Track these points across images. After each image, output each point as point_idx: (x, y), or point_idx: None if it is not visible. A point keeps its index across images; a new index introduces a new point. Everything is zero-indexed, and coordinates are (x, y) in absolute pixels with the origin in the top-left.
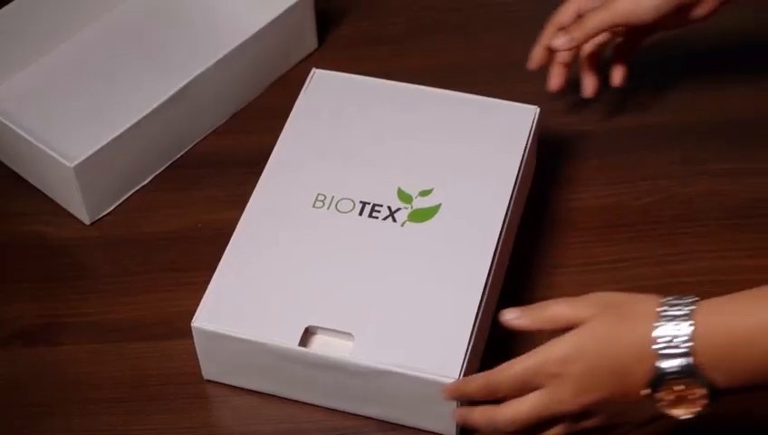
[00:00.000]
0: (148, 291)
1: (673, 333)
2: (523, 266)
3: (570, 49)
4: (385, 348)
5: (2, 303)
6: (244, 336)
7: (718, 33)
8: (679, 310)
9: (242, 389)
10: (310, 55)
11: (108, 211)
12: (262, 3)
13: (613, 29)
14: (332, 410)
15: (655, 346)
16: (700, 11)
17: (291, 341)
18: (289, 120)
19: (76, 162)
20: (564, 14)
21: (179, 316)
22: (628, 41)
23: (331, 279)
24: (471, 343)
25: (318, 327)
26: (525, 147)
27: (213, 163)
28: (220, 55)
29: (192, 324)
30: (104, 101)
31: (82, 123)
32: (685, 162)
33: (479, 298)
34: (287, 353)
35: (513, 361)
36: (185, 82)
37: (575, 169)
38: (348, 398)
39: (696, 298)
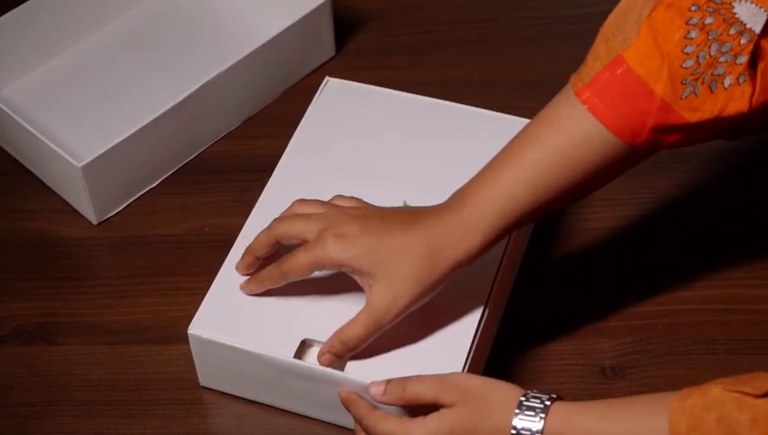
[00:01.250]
0: (149, 294)
1: (527, 429)
2: (528, 287)
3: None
4: (380, 365)
5: (2, 300)
6: (240, 346)
7: None
8: (534, 414)
9: (237, 397)
10: (326, 63)
11: (115, 212)
12: (280, 9)
13: None
14: (327, 422)
15: None
16: None
17: (286, 352)
18: (299, 128)
19: (84, 162)
20: (264, 248)
21: (179, 321)
22: None
23: (331, 293)
24: (468, 364)
25: (315, 340)
26: None
27: (223, 168)
28: (233, 61)
29: (188, 331)
30: (119, 101)
31: (95, 123)
32: (695, 187)
33: (478, 317)
34: (282, 365)
35: (388, 416)
36: (197, 86)
37: None
38: (342, 411)
39: (552, 398)
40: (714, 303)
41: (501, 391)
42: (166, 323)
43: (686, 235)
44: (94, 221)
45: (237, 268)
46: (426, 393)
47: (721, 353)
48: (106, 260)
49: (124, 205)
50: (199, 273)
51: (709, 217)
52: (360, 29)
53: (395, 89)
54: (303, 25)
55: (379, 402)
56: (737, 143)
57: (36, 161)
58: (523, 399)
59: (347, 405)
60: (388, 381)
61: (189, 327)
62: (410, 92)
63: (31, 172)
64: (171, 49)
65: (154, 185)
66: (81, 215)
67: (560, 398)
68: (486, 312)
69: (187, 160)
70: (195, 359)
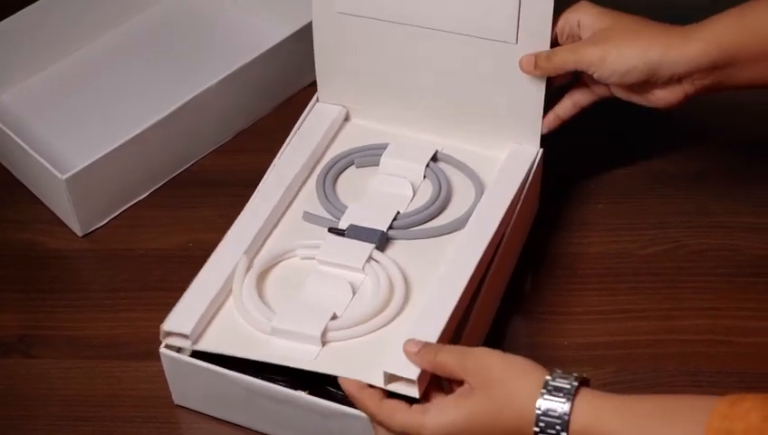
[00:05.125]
0: (131, 309)
1: (552, 416)
2: (514, 311)
3: (529, 72)
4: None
5: None
6: (209, 366)
7: None
8: (560, 398)
9: (211, 417)
10: None
11: (101, 224)
12: (275, 22)
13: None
14: None
15: (535, 427)
16: (667, 96)
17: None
18: (285, 144)
19: (68, 174)
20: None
21: (159, 337)
22: (585, 89)
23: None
24: None
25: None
26: (521, 187)
27: (211, 182)
28: (224, 74)
29: (160, 350)
30: (112, 112)
31: (87, 133)
32: (694, 213)
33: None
34: (251, 386)
35: (398, 407)
36: (186, 99)
37: (581, 214)
38: (312, 433)
39: (578, 381)
40: (702, 333)
41: (523, 374)
42: (145, 338)
43: (675, 263)
44: (79, 233)
45: None
46: (450, 363)
47: (705, 386)
48: (89, 273)
49: (110, 217)
50: (182, 289)
51: (700, 246)
52: None
53: None
54: (298, 39)
55: (411, 361)
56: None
57: (25, 172)
58: (552, 376)
59: (354, 400)
60: (424, 345)
61: (161, 346)
62: None
63: (21, 182)
64: (167, 60)
65: (141, 198)
66: (67, 226)
67: (585, 380)
68: (451, 329)
69: (176, 173)
70: (168, 378)
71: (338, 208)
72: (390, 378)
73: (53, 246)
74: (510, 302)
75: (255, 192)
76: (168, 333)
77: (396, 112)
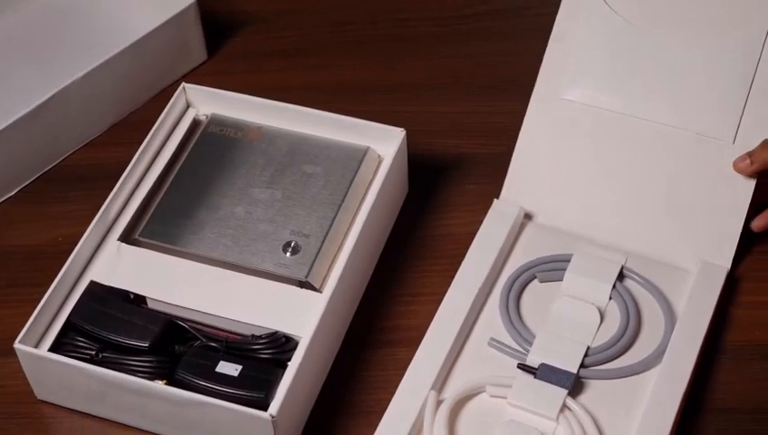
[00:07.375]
0: None
1: None
2: (378, 293)
3: (742, 169)
4: None
5: None
6: (63, 360)
7: None
8: None
9: (74, 410)
10: (200, 67)
11: None
12: (145, 11)
13: None
14: None
15: None
16: None
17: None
18: (149, 135)
19: None
20: None
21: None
22: None
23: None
24: (293, 380)
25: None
26: (713, 317)
27: (82, 177)
28: (92, 66)
29: (14, 345)
30: None
31: None
32: None
33: None
34: (106, 379)
35: None
36: (52, 92)
37: (450, 195)
38: (173, 425)
39: None
40: None
41: None
42: (13, 335)
43: None
44: None
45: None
46: None
47: None
48: None
49: None
50: (50, 284)
51: None
52: (236, 33)
53: (270, 93)
54: (169, 29)
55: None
56: None
57: None
58: None
59: None
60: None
61: (16, 341)
62: (285, 96)
63: None
64: (37, 54)
65: (11, 194)
66: None
67: None
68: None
69: (47, 169)
70: (26, 373)
71: (524, 337)
72: None
73: None
74: (376, 284)
75: (442, 306)
76: None
77: (581, 213)
